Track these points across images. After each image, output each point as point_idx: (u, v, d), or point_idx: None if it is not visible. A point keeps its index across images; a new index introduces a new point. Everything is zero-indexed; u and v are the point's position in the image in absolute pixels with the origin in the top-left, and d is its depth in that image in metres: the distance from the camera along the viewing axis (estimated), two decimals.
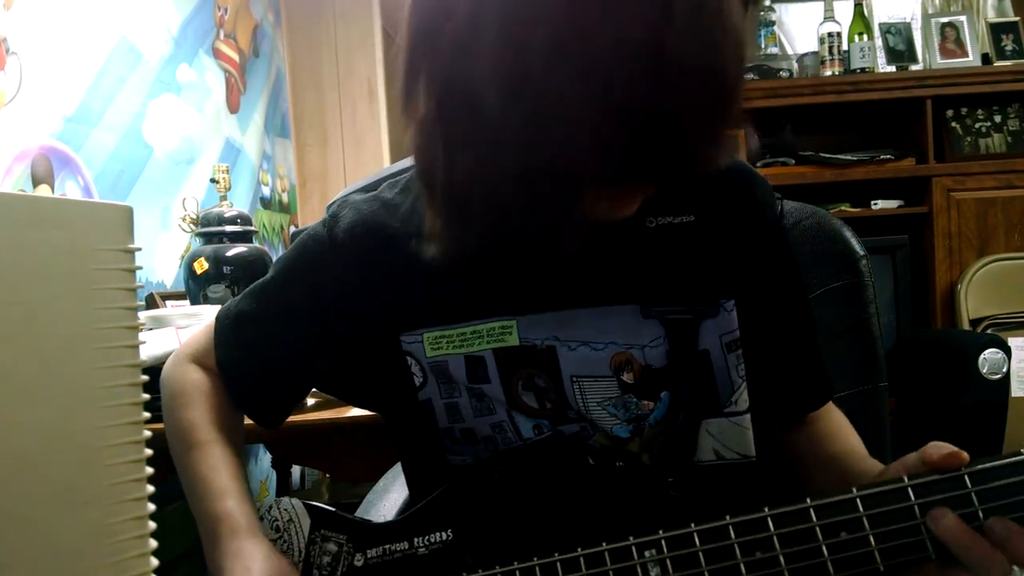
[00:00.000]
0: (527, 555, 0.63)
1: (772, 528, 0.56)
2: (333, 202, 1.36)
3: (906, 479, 0.55)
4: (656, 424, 0.70)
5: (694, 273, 0.70)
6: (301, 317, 0.76)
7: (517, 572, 0.63)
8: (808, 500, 0.56)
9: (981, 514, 0.53)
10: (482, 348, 0.71)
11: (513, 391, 0.71)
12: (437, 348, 0.72)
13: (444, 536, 0.69)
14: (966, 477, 0.53)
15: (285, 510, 0.74)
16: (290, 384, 0.80)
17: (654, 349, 0.69)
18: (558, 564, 0.61)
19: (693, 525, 0.58)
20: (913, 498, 0.54)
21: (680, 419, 0.71)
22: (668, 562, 0.58)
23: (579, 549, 0.61)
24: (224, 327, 0.79)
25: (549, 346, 0.70)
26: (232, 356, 0.78)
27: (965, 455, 0.54)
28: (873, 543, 0.54)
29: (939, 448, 0.55)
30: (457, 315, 0.71)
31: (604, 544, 0.60)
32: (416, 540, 0.70)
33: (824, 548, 0.55)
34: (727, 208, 0.71)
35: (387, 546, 0.70)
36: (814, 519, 0.56)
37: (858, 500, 0.55)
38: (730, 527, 0.57)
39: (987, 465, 0.53)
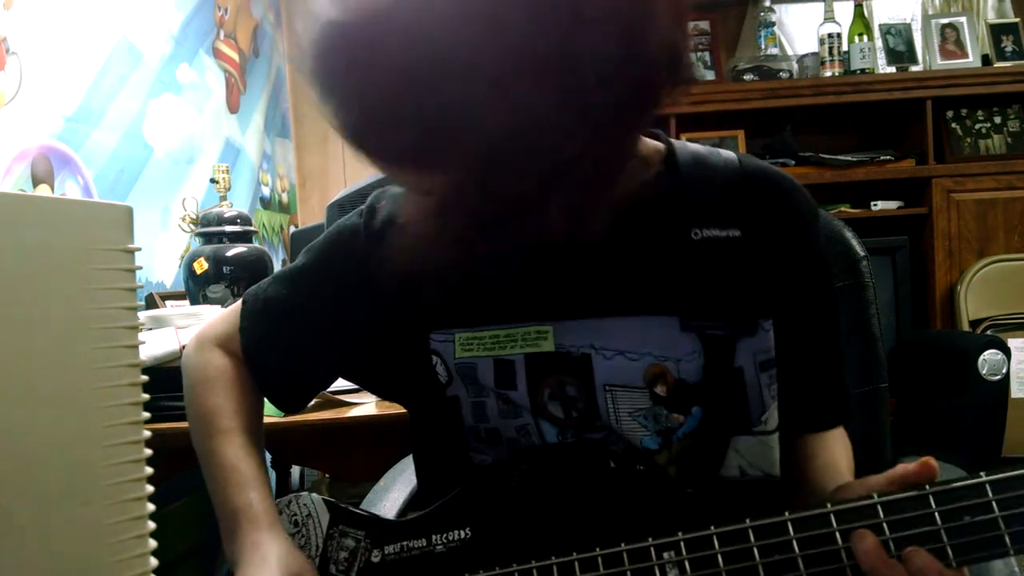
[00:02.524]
0: (545, 555, 0.63)
1: (792, 532, 0.56)
2: (333, 203, 1.35)
3: (928, 487, 0.55)
4: (684, 438, 0.69)
5: (735, 289, 0.69)
6: (329, 306, 0.76)
7: (535, 571, 0.62)
8: (828, 505, 0.56)
9: (1002, 523, 0.52)
10: (515, 352, 0.69)
11: (539, 400, 0.70)
12: (468, 349, 0.71)
13: (463, 534, 0.69)
14: (987, 486, 0.53)
15: (304, 505, 0.74)
16: (315, 372, 0.80)
17: (689, 363, 0.68)
18: (576, 563, 0.61)
19: (713, 528, 0.58)
20: (934, 505, 0.54)
21: (710, 435, 0.70)
22: (687, 563, 0.58)
23: (598, 549, 0.61)
24: (251, 312, 0.79)
25: (584, 354, 0.68)
26: (259, 342, 0.78)
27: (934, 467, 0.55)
28: (893, 549, 0.54)
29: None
30: (492, 317, 0.70)
31: (623, 545, 0.60)
32: (434, 537, 0.69)
33: (843, 553, 0.55)
34: (773, 225, 0.70)
35: (405, 543, 0.70)
36: (834, 523, 0.56)
37: (879, 507, 0.55)
38: (750, 530, 0.57)
39: (1009, 474, 0.53)
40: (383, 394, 0.89)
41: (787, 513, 0.57)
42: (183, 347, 1.20)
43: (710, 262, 0.69)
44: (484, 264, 0.63)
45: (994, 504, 0.53)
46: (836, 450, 0.77)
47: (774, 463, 0.71)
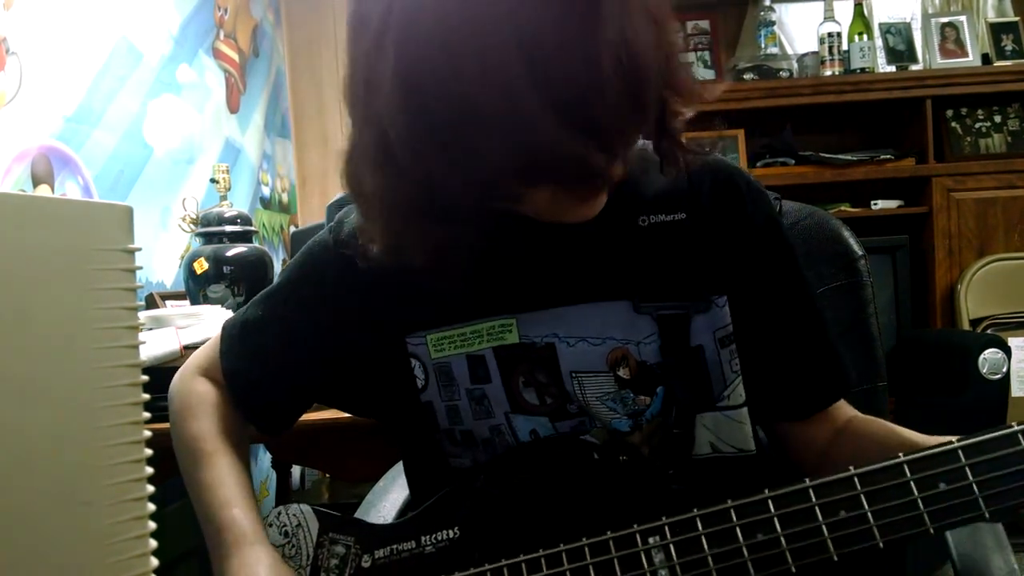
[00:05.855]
0: (534, 549, 0.63)
1: (773, 509, 0.57)
2: (333, 203, 1.36)
3: (901, 456, 0.56)
4: (653, 418, 0.71)
5: (685, 270, 0.72)
6: (305, 322, 0.77)
7: (523, 565, 0.63)
8: (807, 480, 0.58)
9: (976, 488, 0.54)
10: (483, 347, 0.72)
11: (514, 389, 0.72)
12: (440, 349, 0.73)
13: (451, 534, 0.69)
14: (960, 451, 0.55)
15: (293, 515, 0.75)
16: (293, 391, 0.81)
17: (648, 345, 0.70)
18: (563, 554, 0.62)
19: (696, 510, 0.59)
20: (909, 474, 0.56)
21: (674, 413, 0.72)
22: (672, 547, 0.59)
23: (584, 539, 0.61)
24: (230, 336, 0.81)
25: (548, 343, 0.71)
26: (237, 364, 0.79)
27: None
28: (872, 520, 0.55)
29: None
30: (458, 315, 0.72)
31: (608, 533, 0.61)
32: (423, 539, 0.70)
33: (824, 527, 0.56)
34: (716, 206, 0.73)
35: (394, 546, 0.71)
36: (813, 499, 0.57)
37: (855, 479, 0.57)
38: (731, 510, 0.58)
39: (980, 438, 0.55)
40: (358, 410, 0.90)
41: (767, 491, 0.58)
42: (183, 347, 1.20)
43: (658, 246, 0.71)
44: (446, 264, 0.63)
45: (967, 470, 0.54)
46: (866, 418, 0.76)
47: (746, 438, 0.73)
